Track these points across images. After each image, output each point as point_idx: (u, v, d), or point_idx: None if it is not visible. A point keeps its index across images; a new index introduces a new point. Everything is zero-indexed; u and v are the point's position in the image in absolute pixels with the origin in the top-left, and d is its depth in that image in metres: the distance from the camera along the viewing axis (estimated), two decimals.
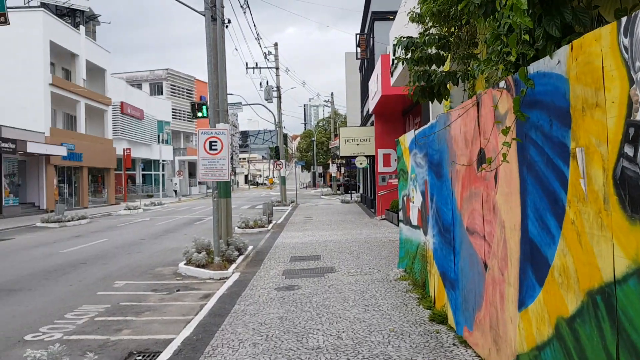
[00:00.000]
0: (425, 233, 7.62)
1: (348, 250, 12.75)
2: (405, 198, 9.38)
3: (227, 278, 10.11)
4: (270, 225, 19.63)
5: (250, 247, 13.17)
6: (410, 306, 7.21)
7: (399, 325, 6.32)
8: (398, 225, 19.33)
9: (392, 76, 14.92)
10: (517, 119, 3.82)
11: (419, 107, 19.52)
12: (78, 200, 35.96)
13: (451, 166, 5.92)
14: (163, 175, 58.03)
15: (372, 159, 26.42)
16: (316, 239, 15.41)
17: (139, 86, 60.28)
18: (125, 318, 7.45)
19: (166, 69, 64.90)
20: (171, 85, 64.68)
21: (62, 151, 30.75)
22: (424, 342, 5.69)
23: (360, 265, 10.70)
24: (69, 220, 23.49)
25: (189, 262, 11.11)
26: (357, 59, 27.80)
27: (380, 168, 22.25)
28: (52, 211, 27.16)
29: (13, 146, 25.17)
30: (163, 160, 46.15)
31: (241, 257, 11.82)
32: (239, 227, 18.72)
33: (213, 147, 10.82)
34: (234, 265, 10.92)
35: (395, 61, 6.75)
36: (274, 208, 31.07)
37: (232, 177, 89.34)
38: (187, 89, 66.46)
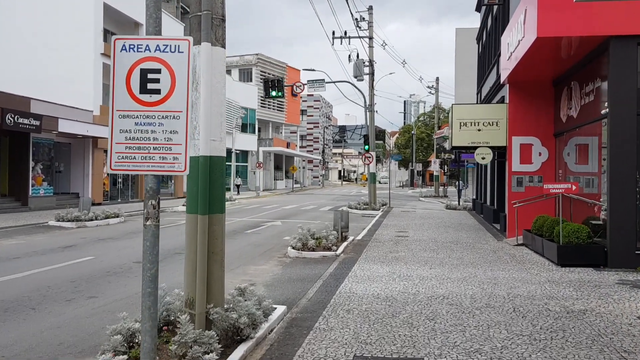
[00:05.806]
0: None
1: (488, 347, 5.57)
2: None
3: None
4: (343, 246, 12.80)
5: (275, 314, 6.37)
6: None
7: None
8: (558, 264, 10.09)
9: None
10: None
11: (598, 62, 11.51)
12: (135, 192, 31.23)
13: None
14: (245, 166, 53.26)
15: (497, 153, 18.58)
16: (413, 287, 8.35)
17: (228, 72, 56.07)
18: None
19: (256, 54, 60.52)
20: (261, 71, 59.86)
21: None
22: None
23: None
24: (90, 220, 18.19)
25: None
26: (483, 4, 20.08)
27: (516, 166, 14.60)
28: (72, 206, 22.01)
29: (37, 123, 20.18)
30: (237, 150, 40.68)
31: None
32: (293, 248, 12.13)
33: (149, 88, 4.13)
34: None
35: None
36: (359, 213, 24.21)
37: (323, 171, 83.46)
38: (278, 77, 61.32)
